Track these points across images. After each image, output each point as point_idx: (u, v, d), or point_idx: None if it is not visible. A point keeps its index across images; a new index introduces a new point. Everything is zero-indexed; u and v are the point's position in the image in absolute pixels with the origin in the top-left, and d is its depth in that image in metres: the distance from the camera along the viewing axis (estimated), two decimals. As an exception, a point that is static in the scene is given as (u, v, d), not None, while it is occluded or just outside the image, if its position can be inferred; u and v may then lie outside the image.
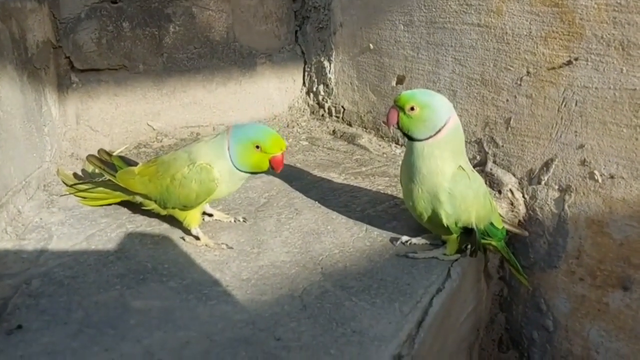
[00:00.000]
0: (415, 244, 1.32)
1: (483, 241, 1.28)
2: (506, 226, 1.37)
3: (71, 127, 1.86)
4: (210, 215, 1.47)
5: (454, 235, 1.23)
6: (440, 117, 1.14)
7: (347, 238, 1.36)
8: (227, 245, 1.33)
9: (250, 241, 1.35)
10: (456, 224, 1.21)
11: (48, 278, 1.20)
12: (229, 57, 2.10)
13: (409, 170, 1.21)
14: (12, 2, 1.54)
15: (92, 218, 1.46)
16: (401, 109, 1.16)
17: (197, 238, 1.34)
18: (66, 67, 1.83)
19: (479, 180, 1.24)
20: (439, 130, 1.14)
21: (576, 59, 1.37)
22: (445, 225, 1.20)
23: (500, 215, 1.36)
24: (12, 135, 1.46)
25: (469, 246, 1.26)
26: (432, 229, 1.29)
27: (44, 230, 1.40)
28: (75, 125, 1.86)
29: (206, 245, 1.33)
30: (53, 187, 1.62)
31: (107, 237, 1.37)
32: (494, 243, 1.32)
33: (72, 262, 1.26)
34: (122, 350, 0.99)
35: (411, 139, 1.18)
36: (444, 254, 1.26)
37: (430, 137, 1.15)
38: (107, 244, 1.34)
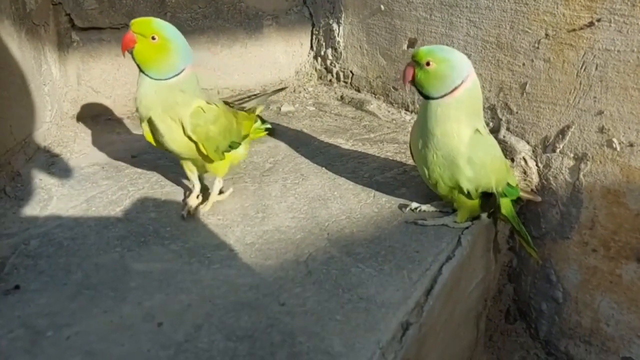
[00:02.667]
0: (424, 211, 1.28)
1: (502, 198, 1.24)
2: (519, 193, 1.33)
3: (72, 87, 1.81)
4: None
5: (470, 202, 1.19)
6: (458, 74, 1.09)
7: (354, 204, 1.32)
8: None
9: (255, 206, 1.32)
10: (476, 189, 1.16)
11: (47, 239, 1.17)
12: (234, 18, 2.03)
13: (422, 134, 1.16)
14: (9, -46, 1.47)
15: (93, 180, 1.43)
16: (418, 64, 1.11)
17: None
18: (66, 25, 1.76)
19: (494, 142, 1.19)
20: (456, 88, 1.09)
21: (598, 20, 1.30)
22: (465, 191, 1.16)
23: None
24: (10, 93, 1.42)
25: (486, 210, 1.22)
26: (444, 196, 1.24)
27: (43, 191, 1.37)
28: (77, 86, 1.81)
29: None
30: (54, 148, 1.59)
31: (108, 200, 1.34)
32: (503, 212, 1.28)
33: (72, 223, 1.23)
34: (121, 312, 0.96)
35: (426, 97, 1.13)
36: (455, 222, 1.22)
37: (446, 94, 1.09)
38: (108, 206, 1.31)
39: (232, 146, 1.32)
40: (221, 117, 1.26)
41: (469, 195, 1.17)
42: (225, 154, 1.30)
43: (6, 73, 1.40)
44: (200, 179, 1.36)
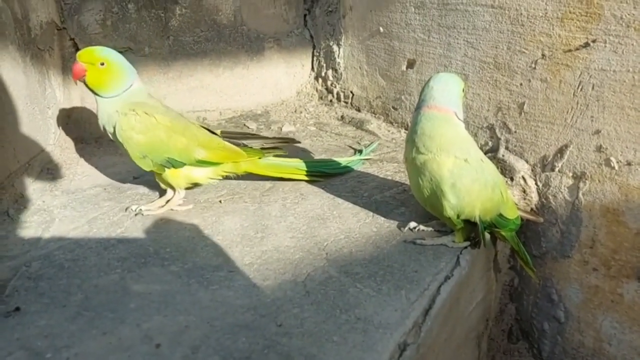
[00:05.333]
0: (423, 230, 1.28)
1: (494, 229, 1.24)
2: (522, 213, 1.33)
3: (75, 110, 1.83)
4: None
5: (458, 226, 1.20)
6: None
7: (353, 224, 1.33)
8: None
9: (254, 226, 1.33)
10: (458, 216, 1.17)
11: (48, 261, 1.18)
12: (236, 40, 2.06)
13: (409, 153, 1.21)
14: (15, -19, 1.51)
15: (95, 201, 1.44)
16: None
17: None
18: (70, 49, 1.80)
19: (488, 171, 1.19)
20: (424, 106, 1.16)
21: (594, 41, 1.31)
22: (447, 216, 1.18)
23: (516, 204, 1.32)
24: (14, 117, 1.44)
25: (473, 236, 1.22)
26: (440, 217, 1.25)
27: (45, 213, 1.38)
28: (81, 108, 1.84)
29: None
30: (56, 170, 1.60)
31: (110, 221, 1.35)
32: (502, 233, 1.28)
33: (73, 245, 1.24)
34: (120, 334, 0.96)
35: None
36: (453, 241, 1.22)
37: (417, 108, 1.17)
38: (109, 227, 1.32)
39: (173, 164, 1.34)
40: (156, 131, 1.31)
41: (450, 221, 1.19)
42: (167, 169, 1.35)
43: (11, 97, 1.43)
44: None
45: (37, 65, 1.59)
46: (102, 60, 1.28)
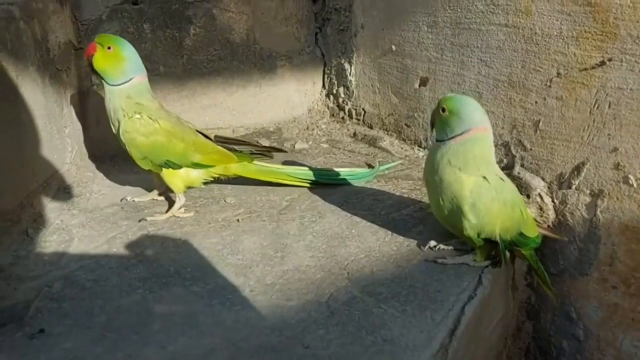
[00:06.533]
0: (443, 249, 1.28)
1: (515, 248, 1.25)
2: (543, 231, 1.33)
3: (91, 128, 1.84)
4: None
5: (478, 245, 1.21)
6: (462, 125, 1.15)
7: (372, 242, 1.33)
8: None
9: (274, 245, 1.33)
10: (479, 235, 1.18)
11: (70, 281, 1.18)
12: (249, 59, 2.08)
13: (429, 175, 1.22)
14: (34, 3, 1.53)
15: (113, 220, 1.45)
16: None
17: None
18: (87, 69, 1.81)
19: (507, 189, 1.20)
20: (456, 136, 1.15)
21: (610, 60, 1.32)
22: (467, 235, 1.18)
23: (537, 221, 1.32)
24: (33, 136, 1.46)
25: (494, 255, 1.23)
26: (460, 235, 1.25)
27: (64, 232, 1.38)
28: (96, 127, 1.85)
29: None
30: (74, 189, 1.61)
31: (129, 240, 1.35)
32: (523, 251, 1.28)
33: (94, 264, 1.24)
34: (145, 356, 0.96)
35: (437, 139, 1.21)
36: (474, 260, 1.22)
37: (450, 139, 1.16)
38: (128, 246, 1.32)
39: (170, 165, 1.44)
40: (157, 135, 1.41)
41: (471, 240, 1.19)
42: (164, 169, 1.45)
43: (31, 117, 1.44)
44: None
45: (55, 85, 1.60)
46: (110, 44, 1.39)
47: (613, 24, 1.30)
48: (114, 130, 1.44)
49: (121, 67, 1.40)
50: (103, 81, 1.42)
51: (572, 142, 1.43)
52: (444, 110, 1.16)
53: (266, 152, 1.64)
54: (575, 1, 1.37)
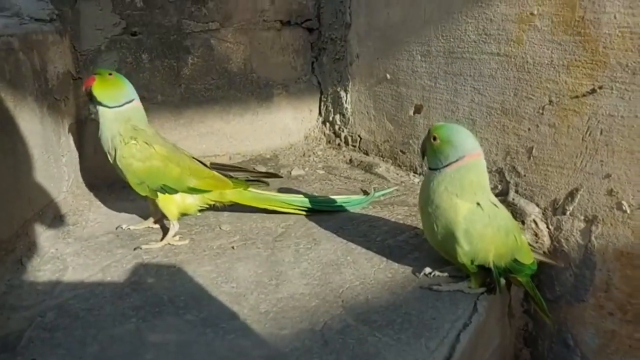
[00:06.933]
0: (438, 276, 1.28)
1: (510, 275, 1.24)
2: (539, 257, 1.33)
3: (88, 157, 1.86)
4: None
5: (472, 272, 1.21)
6: (455, 152, 1.15)
7: (367, 269, 1.32)
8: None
9: (268, 272, 1.32)
10: (472, 262, 1.18)
11: (63, 310, 1.17)
12: (246, 87, 2.11)
13: (424, 202, 1.22)
14: (34, 35, 1.56)
15: (108, 248, 1.45)
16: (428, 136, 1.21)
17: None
18: (85, 98, 1.83)
19: (501, 216, 1.20)
20: (450, 163, 1.16)
21: (600, 87, 1.34)
22: (460, 263, 1.19)
23: (533, 247, 1.32)
24: (29, 165, 1.46)
25: (489, 282, 1.22)
26: (454, 262, 1.25)
27: (59, 261, 1.38)
28: (94, 155, 1.86)
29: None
30: (69, 217, 1.61)
31: (123, 269, 1.35)
32: (519, 278, 1.28)
33: (88, 294, 1.24)
34: (138, 386, 0.95)
35: (429, 167, 1.21)
36: (469, 287, 1.22)
37: (444, 167, 1.17)
38: (122, 275, 1.32)
39: (167, 190, 1.46)
40: (153, 159, 1.43)
41: (465, 267, 1.19)
42: (160, 194, 1.46)
43: (28, 147, 1.45)
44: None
45: (53, 114, 1.62)
46: (111, 72, 1.49)
47: (603, 52, 1.33)
48: (110, 160, 1.47)
49: (123, 89, 1.47)
50: (100, 108, 1.46)
51: (566, 168, 1.45)
52: (435, 138, 1.17)
53: (262, 179, 1.66)
54: (565, 31, 1.39)
